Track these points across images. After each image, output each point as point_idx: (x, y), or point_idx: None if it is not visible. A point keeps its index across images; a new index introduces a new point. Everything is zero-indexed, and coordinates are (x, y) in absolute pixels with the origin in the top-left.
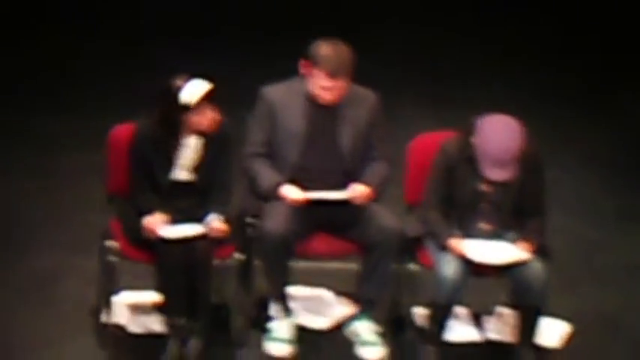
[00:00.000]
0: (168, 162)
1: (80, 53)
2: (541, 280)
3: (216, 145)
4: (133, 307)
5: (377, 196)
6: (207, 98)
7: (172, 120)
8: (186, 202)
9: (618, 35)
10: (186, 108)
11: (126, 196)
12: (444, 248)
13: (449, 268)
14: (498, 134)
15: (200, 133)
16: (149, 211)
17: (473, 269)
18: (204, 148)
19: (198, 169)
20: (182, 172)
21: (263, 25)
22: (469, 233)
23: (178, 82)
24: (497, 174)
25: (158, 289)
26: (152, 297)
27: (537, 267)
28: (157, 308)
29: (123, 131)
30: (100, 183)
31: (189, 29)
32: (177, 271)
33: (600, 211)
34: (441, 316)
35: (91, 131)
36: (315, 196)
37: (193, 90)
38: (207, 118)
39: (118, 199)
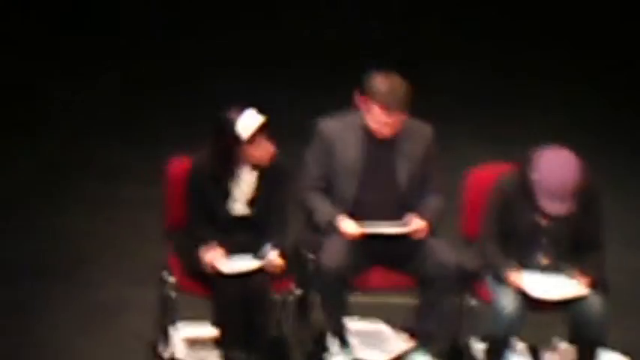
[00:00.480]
0: (225, 195)
1: (142, 86)
2: (600, 314)
3: (271, 178)
4: (191, 341)
5: (432, 230)
6: (262, 130)
7: (228, 152)
8: (242, 236)
9: None
10: (242, 140)
11: (183, 230)
12: (502, 282)
13: (507, 302)
14: (556, 168)
15: (255, 166)
16: (206, 245)
17: (531, 303)
18: (260, 181)
19: (254, 202)
20: (238, 205)
21: (321, 57)
22: (527, 267)
23: (233, 114)
24: (555, 208)
25: (216, 323)
26: (210, 330)
27: (596, 302)
28: (215, 342)
29: (180, 164)
30: (158, 216)
31: (247, 61)
32: (235, 305)
33: None
34: (498, 349)
35: (150, 163)
36: (372, 230)
37: (248, 122)
38: (262, 150)
39: (176, 232)
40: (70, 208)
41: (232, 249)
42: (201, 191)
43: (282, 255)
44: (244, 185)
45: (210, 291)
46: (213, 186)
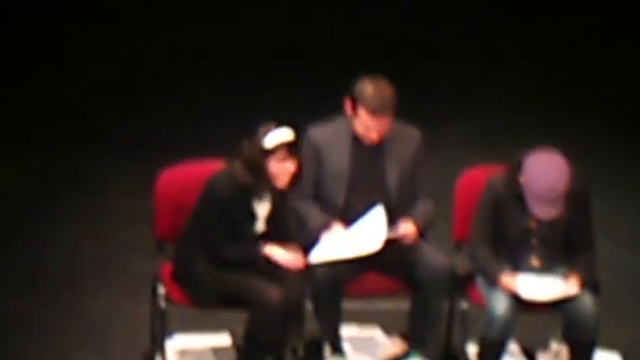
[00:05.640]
0: (251, 214)
1: (130, 96)
2: (592, 314)
3: (284, 193)
4: (186, 352)
5: (424, 234)
6: (288, 147)
7: (255, 165)
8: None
9: None
10: (264, 150)
11: (174, 242)
12: (494, 284)
13: (500, 305)
14: (545, 172)
15: (277, 189)
16: (235, 264)
17: (523, 305)
18: (275, 197)
19: (270, 220)
20: (259, 224)
21: (309, 62)
22: (519, 269)
23: (265, 128)
24: (545, 212)
25: (251, 336)
26: (203, 342)
27: (588, 301)
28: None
29: (170, 176)
30: (146, 227)
31: (232, 66)
32: (277, 315)
33: None
34: (492, 352)
35: (139, 175)
36: None
37: (276, 135)
38: (283, 167)
39: (184, 248)
40: (57, 221)
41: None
42: (227, 209)
43: None
44: (265, 203)
45: (241, 305)
46: (241, 204)
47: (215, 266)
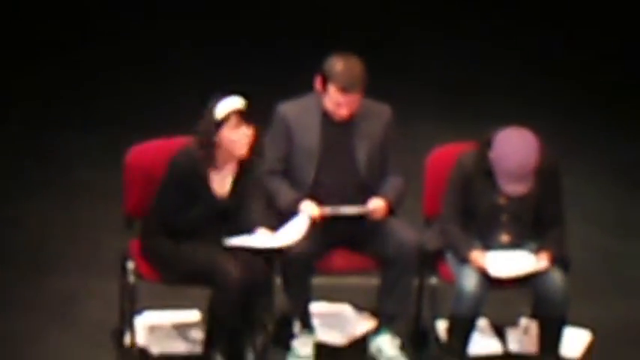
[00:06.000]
0: (207, 187)
1: (99, 69)
2: (562, 290)
3: (248, 167)
4: (154, 328)
5: (394, 211)
6: (240, 114)
7: (207, 136)
8: (219, 228)
9: (637, 42)
10: (217, 121)
11: (144, 218)
12: (464, 261)
13: (469, 281)
14: (514, 149)
15: (237, 161)
16: (190, 234)
17: (493, 281)
18: (239, 170)
19: (232, 194)
20: (219, 196)
21: (280, 39)
22: (489, 245)
23: (214, 100)
24: (514, 188)
25: (213, 315)
26: (172, 317)
27: (558, 277)
28: (206, 342)
29: (140, 152)
30: (116, 203)
31: (204, 43)
32: (237, 293)
33: (622, 220)
34: (462, 329)
35: (108, 150)
36: (332, 211)
37: (225, 104)
38: (240, 134)
39: (147, 223)
40: (25, 197)
41: (209, 239)
42: (184, 184)
43: None
44: (227, 177)
45: (203, 281)
46: (198, 179)
47: (176, 243)
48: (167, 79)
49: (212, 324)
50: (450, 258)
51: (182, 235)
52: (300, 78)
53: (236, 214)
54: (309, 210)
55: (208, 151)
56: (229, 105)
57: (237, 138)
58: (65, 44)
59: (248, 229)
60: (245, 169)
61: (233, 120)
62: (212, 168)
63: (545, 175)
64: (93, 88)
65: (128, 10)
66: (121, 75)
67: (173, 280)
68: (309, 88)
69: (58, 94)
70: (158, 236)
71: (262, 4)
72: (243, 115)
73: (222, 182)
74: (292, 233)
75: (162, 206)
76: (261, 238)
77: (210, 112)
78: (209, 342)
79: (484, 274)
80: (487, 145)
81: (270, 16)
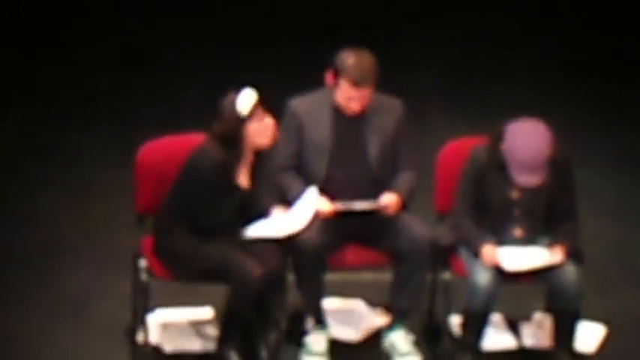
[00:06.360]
0: (233, 187)
1: (99, 69)
2: (576, 284)
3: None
4: (168, 326)
5: (406, 206)
6: (260, 105)
7: (233, 134)
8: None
9: None
10: (243, 117)
11: (158, 216)
12: (477, 255)
13: (482, 276)
14: (527, 140)
15: (259, 149)
16: (214, 231)
17: (506, 276)
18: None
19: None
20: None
21: (289, 37)
22: (502, 239)
23: (231, 96)
24: (526, 180)
25: (230, 311)
26: (185, 315)
27: (571, 271)
28: (221, 339)
29: (151, 149)
30: (127, 201)
31: (212, 42)
32: (255, 291)
33: (634, 212)
34: (475, 323)
35: (121, 148)
36: (344, 207)
37: (246, 99)
38: (264, 126)
39: (163, 221)
40: (38, 194)
41: (228, 233)
42: (209, 184)
43: None
44: (245, 167)
45: (221, 279)
46: (224, 175)
47: (195, 240)
48: (167, 79)
49: (227, 321)
50: (463, 252)
51: (203, 233)
52: (301, 77)
53: (253, 203)
54: (321, 206)
55: (235, 148)
56: (250, 98)
57: (263, 129)
58: (65, 44)
59: (263, 214)
60: (260, 157)
61: (258, 111)
62: (238, 163)
63: (558, 168)
64: (106, 87)
65: (128, 10)
66: (121, 75)
67: (188, 278)
68: (308, 87)
69: (73, 91)
70: (177, 234)
71: (262, 4)
72: (264, 106)
73: (244, 175)
74: (305, 211)
75: (190, 207)
76: (277, 225)
77: (232, 108)
78: (223, 339)
79: (497, 269)
80: (499, 137)
81: (271, 16)
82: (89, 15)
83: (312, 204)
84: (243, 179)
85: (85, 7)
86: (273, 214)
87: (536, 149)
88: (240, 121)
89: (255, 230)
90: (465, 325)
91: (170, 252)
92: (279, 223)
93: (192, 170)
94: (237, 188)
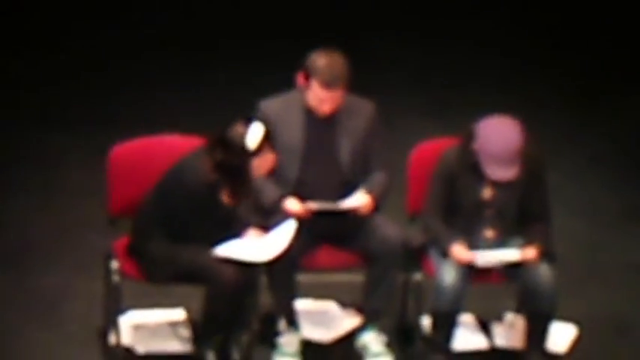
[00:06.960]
0: (221, 204)
1: (84, 68)
2: (549, 284)
3: None
4: (140, 328)
5: (377, 207)
6: (266, 139)
7: (236, 167)
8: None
9: (617, 35)
10: (250, 153)
11: (127, 217)
12: (445, 255)
13: (449, 275)
14: (499, 133)
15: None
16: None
17: (476, 275)
18: None
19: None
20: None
21: (262, 37)
22: (473, 241)
23: (239, 128)
24: (501, 174)
25: (208, 312)
26: (157, 317)
27: (545, 271)
28: (199, 336)
29: (123, 150)
30: (99, 202)
31: (186, 42)
32: (230, 292)
33: (604, 212)
34: (444, 324)
35: (93, 148)
36: (316, 207)
37: (255, 134)
38: (266, 160)
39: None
40: (8, 195)
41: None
42: (199, 202)
43: None
44: None
45: (197, 280)
46: (212, 197)
47: (172, 243)
48: (141, 79)
49: (205, 322)
50: (433, 253)
51: (181, 238)
52: (282, 77)
53: (235, 219)
54: (292, 207)
55: (231, 177)
56: (258, 133)
57: (264, 163)
58: (37, 44)
59: (238, 230)
60: None
61: (264, 148)
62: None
63: (531, 165)
64: (78, 88)
65: (103, 10)
66: (93, 75)
67: (164, 280)
68: (282, 87)
69: (44, 92)
70: (154, 237)
71: (239, 3)
72: (268, 139)
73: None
74: (280, 241)
75: (171, 216)
76: (250, 249)
77: (241, 142)
78: (201, 339)
79: (464, 268)
80: (470, 138)
81: (247, 16)
82: (63, 14)
83: (287, 236)
84: (226, 196)
85: (60, 6)
86: (247, 236)
87: (509, 142)
88: (247, 156)
89: (225, 250)
90: (433, 326)
91: (147, 254)
92: (250, 248)
93: (179, 183)
94: (221, 205)
